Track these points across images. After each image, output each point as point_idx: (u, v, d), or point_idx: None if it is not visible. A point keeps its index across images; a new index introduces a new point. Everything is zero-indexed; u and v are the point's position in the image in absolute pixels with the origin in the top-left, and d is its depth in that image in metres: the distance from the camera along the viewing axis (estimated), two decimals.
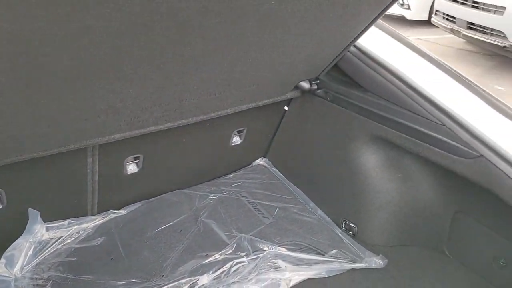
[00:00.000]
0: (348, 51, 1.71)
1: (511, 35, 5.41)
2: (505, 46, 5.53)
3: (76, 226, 1.84)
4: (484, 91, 1.54)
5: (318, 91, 1.88)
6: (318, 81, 1.87)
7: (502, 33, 5.50)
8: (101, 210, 1.93)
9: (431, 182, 1.74)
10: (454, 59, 6.54)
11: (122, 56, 1.11)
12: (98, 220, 1.90)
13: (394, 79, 1.62)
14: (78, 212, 1.86)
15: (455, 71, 1.61)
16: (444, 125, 1.46)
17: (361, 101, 1.74)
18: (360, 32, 1.57)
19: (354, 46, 1.70)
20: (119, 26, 0.99)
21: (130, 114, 1.43)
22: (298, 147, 2.13)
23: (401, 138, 1.63)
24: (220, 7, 1.06)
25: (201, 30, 1.14)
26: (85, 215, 1.89)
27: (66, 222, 1.82)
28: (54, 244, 1.76)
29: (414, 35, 7.35)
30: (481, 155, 1.37)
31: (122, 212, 1.96)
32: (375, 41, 1.74)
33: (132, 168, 1.86)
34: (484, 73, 6.04)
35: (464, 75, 1.55)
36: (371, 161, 1.80)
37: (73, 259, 1.71)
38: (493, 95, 1.51)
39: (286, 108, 2.11)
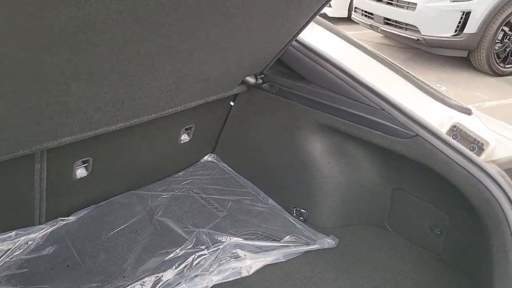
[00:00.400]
0: (291, 45, 1.80)
1: (423, 29, 5.87)
2: (418, 39, 6.00)
3: (24, 237, 1.76)
4: (414, 76, 1.70)
5: (263, 85, 1.96)
6: (263, 76, 1.95)
7: (415, 27, 5.95)
8: (50, 218, 1.86)
9: (372, 164, 1.89)
10: (374, 52, 6.99)
11: (79, 55, 1.10)
12: (47, 229, 1.83)
13: (334, 69, 1.73)
14: (25, 222, 1.78)
15: (388, 60, 1.76)
16: (383, 109, 1.60)
17: (305, 92, 1.84)
18: (302, 27, 1.66)
19: (296, 40, 1.80)
20: (76, 26, 0.99)
21: (83, 116, 1.41)
22: (245, 140, 2.20)
23: (344, 124, 1.75)
24: (177, 4, 1.09)
25: (157, 28, 1.16)
26: (33, 224, 1.81)
27: (13, 233, 1.74)
28: (3, 257, 1.68)
29: None
30: (417, 135, 1.52)
31: (72, 218, 1.90)
32: (315, 35, 1.85)
33: (81, 172, 1.81)
34: (401, 64, 6.52)
35: (397, 64, 1.70)
36: (317, 148, 1.91)
37: (25, 270, 1.64)
38: (422, 80, 1.68)
39: (232, 103, 2.17)
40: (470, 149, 1.48)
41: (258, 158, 2.15)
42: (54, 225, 1.86)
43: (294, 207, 2.03)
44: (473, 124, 1.53)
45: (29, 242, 1.76)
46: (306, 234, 1.90)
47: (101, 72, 1.22)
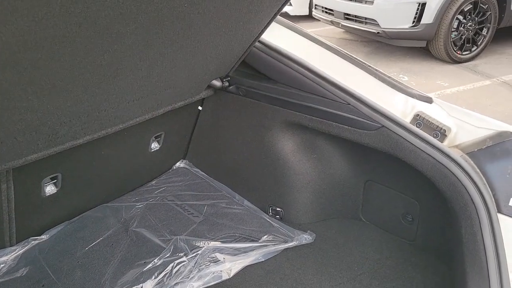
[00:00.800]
0: (254, 46, 1.81)
1: (382, 22, 6.01)
2: (378, 32, 6.14)
3: None
4: (376, 70, 1.75)
5: (230, 87, 1.97)
6: (229, 78, 1.95)
7: (375, 20, 6.09)
8: (21, 238, 1.81)
9: (343, 158, 1.93)
10: (337, 47, 7.11)
11: (40, 70, 1.08)
12: (19, 250, 1.78)
13: (298, 67, 1.76)
14: None
15: (349, 55, 1.80)
16: (348, 103, 1.63)
17: (272, 92, 1.86)
18: (263, 28, 1.68)
19: (259, 41, 1.81)
20: (35, 41, 0.97)
21: (47, 131, 1.38)
22: (216, 144, 2.20)
23: (312, 121, 1.78)
24: (137, 12, 1.09)
25: (118, 38, 1.15)
26: (3, 247, 1.76)
27: None
28: None
29: None
30: (382, 126, 1.56)
31: (44, 237, 1.86)
32: (276, 34, 1.87)
33: (50, 189, 1.77)
34: (364, 58, 6.62)
35: (359, 58, 1.74)
36: (287, 146, 1.94)
37: None
38: (384, 72, 1.73)
39: (200, 108, 2.17)
40: (433, 136, 1.53)
41: (230, 160, 2.16)
42: (26, 245, 1.81)
43: (270, 207, 2.04)
44: (434, 112, 1.59)
45: (1, 265, 1.71)
46: (283, 232, 1.91)
47: (64, 86, 1.20)
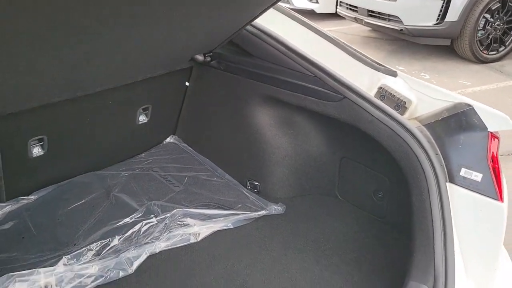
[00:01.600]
0: None
1: (406, 19, 5.93)
2: (401, 30, 6.05)
3: None
4: (349, 47, 1.77)
5: (211, 62, 2.04)
6: (212, 53, 2.02)
7: (398, 17, 6.01)
8: (10, 197, 1.94)
9: (319, 135, 1.96)
10: (361, 45, 7.04)
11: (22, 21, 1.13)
12: (7, 207, 1.92)
13: (274, 43, 1.81)
14: None
15: (326, 32, 1.84)
16: (315, 75, 1.67)
17: (250, 66, 1.91)
18: (259, 13, 1.69)
19: None
20: None
21: (26, 89, 1.49)
22: (202, 120, 2.27)
23: (286, 94, 1.83)
24: None
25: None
26: None
27: None
28: None
29: (325, 27, 7.82)
30: (345, 97, 1.59)
31: (33, 197, 1.98)
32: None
33: (37, 150, 1.89)
34: (387, 56, 6.57)
35: (330, 35, 1.77)
36: (264, 121, 1.99)
37: None
38: (356, 49, 1.75)
39: (187, 83, 2.25)
40: (394, 108, 1.54)
41: (214, 135, 2.23)
42: (15, 203, 1.94)
43: (248, 180, 2.10)
44: (398, 85, 1.60)
45: None
46: (257, 204, 1.97)
47: (45, 39, 1.25)
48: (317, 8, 8.41)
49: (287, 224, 1.87)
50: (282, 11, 1.98)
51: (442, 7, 5.72)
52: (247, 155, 2.08)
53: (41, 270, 1.49)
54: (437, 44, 6.15)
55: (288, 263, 1.66)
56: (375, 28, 6.81)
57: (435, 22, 5.81)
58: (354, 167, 1.92)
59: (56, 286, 1.47)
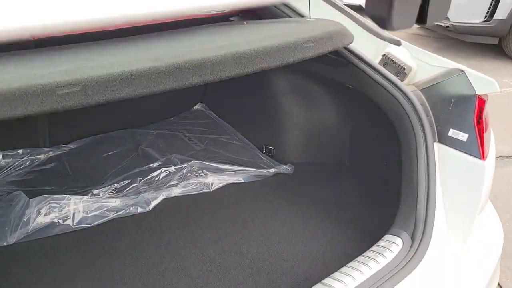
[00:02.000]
0: None
1: (453, 16, 5.83)
2: (447, 26, 5.97)
3: (29, 156, 2.12)
4: (359, 16, 1.88)
5: None
6: None
7: None
8: (53, 144, 2.21)
9: (331, 104, 2.08)
10: (407, 42, 7.01)
11: None
12: (50, 152, 2.19)
13: (288, 11, 1.94)
14: (31, 145, 2.14)
15: (340, 4, 1.95)
16: None
17: None
18: None
19: None
20: None
21: None
22: (225, 88, 2.44)
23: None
24: None
25: None
26: (38, 147, 2.17)
27: (20, 151, 2.11)
28: (10, 169, 2.04)
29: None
30: (350, 63, 1.70)
31: (71, 146, 2.24)
32: None
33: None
34: (433, 52, 6.52)
35: (341, 4, 1.89)
36: (280, 88, 2.13)
37: (28, 178, 1.99)
38: (359, 15, 1.86)
39: None
40: (395, 74, 1.64)
41: (236, 102, 2.40)
42: (57, 149, 2.21)
43: (264, 145, 2.25)
44: (400, 53, 1.69)
45: (34, 161, 2.12)
46: (268, 164, 2.12)
47: None
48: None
49: (294, 183, 2.01)
50: None
51: (491, 4, 5.59)
52: (264, 121, 2.23)
53: (71, 197, 1.72)
54: (485, 42, 6.01)
55: (289, 214, 1.80)
56: (422, 25, 6.72)
57: (483, 19, 5.69)
58: (363, 135, 2.03)
59: (82, 212, 1.70)
